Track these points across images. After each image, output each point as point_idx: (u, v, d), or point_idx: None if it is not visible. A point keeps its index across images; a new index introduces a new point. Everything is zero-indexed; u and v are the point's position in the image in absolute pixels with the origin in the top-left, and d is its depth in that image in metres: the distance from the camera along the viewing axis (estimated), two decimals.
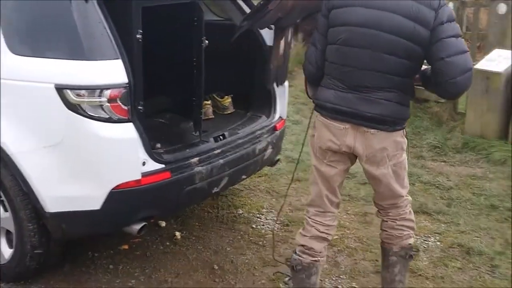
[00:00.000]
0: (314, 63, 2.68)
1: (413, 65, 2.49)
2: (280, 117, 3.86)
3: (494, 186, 4.49)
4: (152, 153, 2.93)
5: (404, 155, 2.70)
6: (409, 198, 2.85)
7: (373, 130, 2.55)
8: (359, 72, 2.50)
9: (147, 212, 2.99)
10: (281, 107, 3.87)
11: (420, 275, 3.34)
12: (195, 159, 3.14)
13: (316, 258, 2.79)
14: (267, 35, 3.82)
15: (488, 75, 5.29)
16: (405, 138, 2.67)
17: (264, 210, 4.17)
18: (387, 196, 2.77)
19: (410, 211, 2.83)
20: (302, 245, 2.81)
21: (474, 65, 2.52)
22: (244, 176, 3.58)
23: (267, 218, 4.05)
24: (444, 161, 5.15)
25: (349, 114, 2.55)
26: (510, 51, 5.42)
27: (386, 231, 2.84)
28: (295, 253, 2.83)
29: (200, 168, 3.12)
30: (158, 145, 3.15)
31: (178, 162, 3.06)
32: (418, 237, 3.75)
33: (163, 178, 2.96)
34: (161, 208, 3.09)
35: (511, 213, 4.03)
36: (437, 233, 3.83)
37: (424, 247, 3.66)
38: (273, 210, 4.16)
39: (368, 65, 2.48)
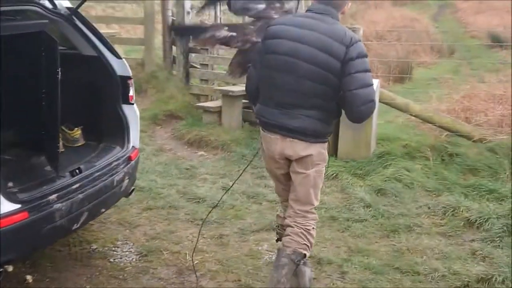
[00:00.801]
0: (254, 83, 3.14)
1: (330, 90, 2.92)
2: (133, 146, 3.83)
3: (331, 199, 4.90)
4: (7, 193, 2.73)
5: (324, 167, 3.14)
6: (316, 215, 3.22)
7: (296, 139, 2.99)
8: (283, 92, 2.96)
9: (4, 258, 2.76)
10: (134, 137, 3.85)
11: None
12: (54, 196, 2.98)
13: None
14: (117, 64, 3.78)
15: None
16: (326, 152, 3.12)
17: (119, 242, 4.06)
18: (302, 199, 3.12)
19: (314, 228, 3.17)
20: (281, 225, 3.35)
21: None
22: (103, 210, 3.48)
23: (124, 250, 3.96)
24: None
25: (277, 126, 3.00)
26: None
27: (290, 235, 3.12)
28: (278, 229, 3.44)
29: (59, 205, 2.98)
30: (10, 184, 2.94)
31: (35, 201, 2.89)
32: (272, 252, 3.95)
33: (21, 219, 2.77)
34: (19, 251, 2.88)
35: (350, 222, 4.44)
36: None
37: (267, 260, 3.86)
38: (128, 242, 4.07)
39: (290, 87, 2.92)
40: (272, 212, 4.65)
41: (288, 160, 3.09)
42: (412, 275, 3.67)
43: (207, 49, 7.50)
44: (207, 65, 7.56)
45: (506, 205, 4.54)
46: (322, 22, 2.89)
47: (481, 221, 4.34)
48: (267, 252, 4.00)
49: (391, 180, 5.12)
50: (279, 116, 2.97)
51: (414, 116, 5.96)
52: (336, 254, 3.93)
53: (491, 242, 4.08)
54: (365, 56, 2.89)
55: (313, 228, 3.15)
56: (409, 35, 13.32)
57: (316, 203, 3.17)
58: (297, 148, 3.00)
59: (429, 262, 3.80)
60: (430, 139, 5.74)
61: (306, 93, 2.91)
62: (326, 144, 3.12)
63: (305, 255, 3.12)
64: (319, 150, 3.04)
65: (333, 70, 2.84)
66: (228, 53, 8.04)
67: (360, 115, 2.92)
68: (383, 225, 4.39)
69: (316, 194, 3.14)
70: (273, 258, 3.87)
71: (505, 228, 4.19)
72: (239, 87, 6.79)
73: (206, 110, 6.91)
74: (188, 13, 7.71)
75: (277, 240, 3.51)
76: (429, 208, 4.68)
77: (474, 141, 5.52)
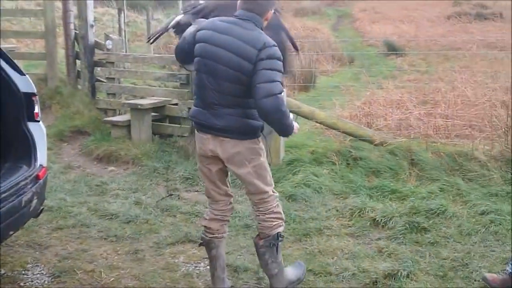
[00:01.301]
0: (183, 46, 3.36)
1: (246, 89, 3.13)
2: (41, 165, 3.72)
3: (245, 207, 4.98)
4: None
5: (262, 159, 3.32)
6: (276, 194, 3.43)
7: (226, 138, 3.21)
8: (209, 93, 3.19)
9: None
10: (41, 155, 3.74)
11: None
12: None
13: (214, 235, 3.47)
14: (20, 80, 3.68)
15: None
16: (261, 144, 3.32)
17: (29, 265, 3.92)
18: (254, 192, 3.35)
19: (277, 205, 3.42)
20: (204, 226, 3.50)
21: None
22: (11, 232, 3.35)
23: (35, 273, 3.82)
24: (197, 191, 5.53)
25: (207, 126, 3.24)
26: None
27: (259, 223, 3.42)
28: (202, 232, 3.53)
29: None
30: None
31: None
32: (189, 264, 4.00)
33: None
34: None
35: None
36: (205, 258, 4.02)
37: (197, 273, 3.89)
38: (39, 264, 3.94)
39: (213, 87, 3.17)
40: (187, 224, 4.68)
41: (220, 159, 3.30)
42: (325, 275, 3.82)
43: (112, 63, 7.38)
44: (113, 78, 7.43)
45: (407, 204, 4.84)
46: (241, 28, 3.13)
47: (385, 220, 4.59)
48: (183, 264, 4.01)
49: (300, 186, 5.30)
50: (209, 116, 3.21)
51: (319, 123, 6.20)
52: (252, 261, 4.00)
53: (395, 239, 4.33)
54: (277, 58, 3.09)
55: (276, 205, 3.41)
56: (311, 45, 13.80)
57: (270, 188, 3.37)
58: (226, 146, 3.22)
59: (340, 262, 3.98)
60: (335, 145, 6.00)
61: (226, 93, 3.15)
62: (259, 138, 3.30)
63: (279, 233, 3.40)
64: (248, 146, 3.23)
65: (246, 71, 3.08)
66: (134, 66, 7.98)
67: (264, 106, 3.02)
68: (295, 229, 4.53)
69: (265, 182, 3.34)
70: (190, 269, 3.92)
71: (407, 225, 4.47)
72: (148, 100, 6.76)
73: (115, 124, 6.80)
74: (92, 26, 7.56)
75: (199, 245, 3.63)
76: (337, 210, 4.89)
77: (375, 145, 5.83)
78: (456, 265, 3.93)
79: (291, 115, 3.21)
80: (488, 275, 3.65)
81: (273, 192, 3.41)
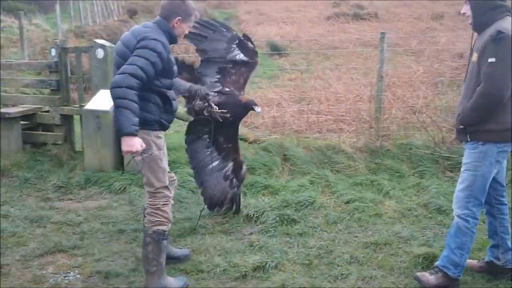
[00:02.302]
0: None
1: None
2: None
3: (119, 213, 4.93)
4: None
5: (155, 153, 3.49)
6: (168, 194, 3.58)
7: None
8: None
9: None
10: None
11: None
12: None
13: None
14: None
15: (98, 114, 5.77)
16: (156, 139, 3.48)
17: None
18: (145, 183, 3.56)
19: (165, 204, 3.56)
20: None
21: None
22: None
23: None
24: (71, 199, 5.38)
25: None
26: None
27: (145, 216, 3.59)
28: None
29: None
30: None
31: None
32: (58, 275, 3.89)
33: None
34: None
35: (137, 233, 4.51)
36: (75, 266, 3.99)
37: (66, 283, 3.79)
38: None
39: None
40: (58, 233, 4.56)
41: None
42: (196, 273, 3.87)
43: None
44: None
45: (279, 198, 5.03)
46: (142, 27, 3.47)
47: (258, 215, 4.74)
48: (52, 275, 3.89)
49: (177, 187, 5.30)
50: None
51: None
52: (124, 266, 3.97)
53: (266, 233, 4.48)
54: (150, 49, 3.28)
55: (163, 204, 3.55)
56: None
57: (159, 185, 3.52)
58: None
59: (212, 259, 4.04)
60: None
61: None
62: (154, 132, 3.48)
63: (164, 230, 3.55)
64: (142, 136, 3.31)
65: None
66: (6, 73, 7.59)
67: (113, 80, 3.22)
68: (169, 230, 4.53)
69: (156, 177, 3.50)
70: (59, 280, 3.81)
71: (277, 218, 4.64)
72: (16, 108, 6.47)
73: None
74: None
75: None
76: None
77: (250, 143, 5.98)
78: (321, 252, 4.13)
79: None
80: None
81: (164, 191, 3.55)
